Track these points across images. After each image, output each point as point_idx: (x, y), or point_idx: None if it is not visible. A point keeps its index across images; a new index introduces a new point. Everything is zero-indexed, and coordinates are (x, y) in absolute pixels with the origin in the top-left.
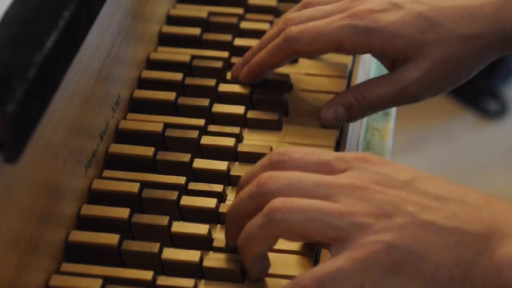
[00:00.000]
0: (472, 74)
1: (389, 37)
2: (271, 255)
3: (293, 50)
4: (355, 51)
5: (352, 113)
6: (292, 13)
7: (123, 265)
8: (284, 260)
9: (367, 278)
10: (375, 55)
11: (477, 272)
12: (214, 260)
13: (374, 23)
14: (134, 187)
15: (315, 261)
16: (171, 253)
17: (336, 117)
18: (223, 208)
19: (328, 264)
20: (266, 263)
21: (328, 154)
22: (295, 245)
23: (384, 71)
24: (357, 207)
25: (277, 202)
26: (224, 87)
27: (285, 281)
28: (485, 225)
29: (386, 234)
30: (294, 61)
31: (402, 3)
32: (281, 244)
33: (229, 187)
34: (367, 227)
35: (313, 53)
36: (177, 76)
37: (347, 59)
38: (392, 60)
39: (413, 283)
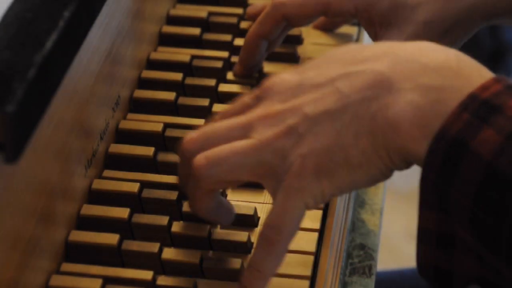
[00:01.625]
0: (459, 40)
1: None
2: None
3: (281, 15)
4: (342, 13)
5: None
6: None
7: (123, 265)
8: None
9: (306, 197)
10: (361, 20)
11: (380, 138)
12: (214, 260)
13: None
14: (134, 187)
15: (315, 260)
16: (171, 253)
17: None
18: None
19: (276, 207)
20: (225, 207)
21: (247, 96)
22: (295, 245)
23: None
24: (267, 135)
25: (198, 159)
26: (224, 87)
27: (285, 281)
28: (371, 87)
29: (298, 148)
30: (294, 61)
31: None
32: None
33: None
34: (282, 150)
35: (301, 17)
36: (177, 76)
37: None
38: (376, 28)
39: (337, 173)
